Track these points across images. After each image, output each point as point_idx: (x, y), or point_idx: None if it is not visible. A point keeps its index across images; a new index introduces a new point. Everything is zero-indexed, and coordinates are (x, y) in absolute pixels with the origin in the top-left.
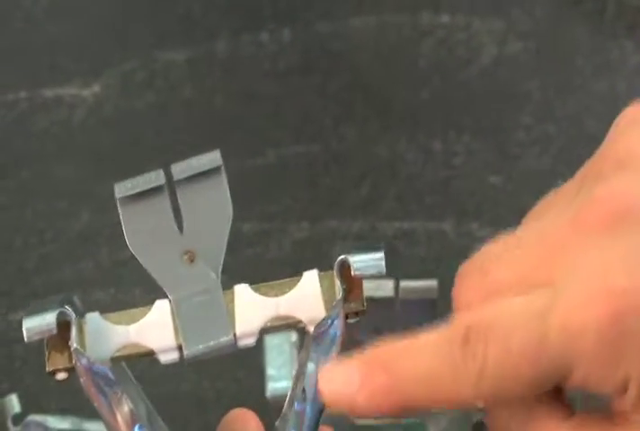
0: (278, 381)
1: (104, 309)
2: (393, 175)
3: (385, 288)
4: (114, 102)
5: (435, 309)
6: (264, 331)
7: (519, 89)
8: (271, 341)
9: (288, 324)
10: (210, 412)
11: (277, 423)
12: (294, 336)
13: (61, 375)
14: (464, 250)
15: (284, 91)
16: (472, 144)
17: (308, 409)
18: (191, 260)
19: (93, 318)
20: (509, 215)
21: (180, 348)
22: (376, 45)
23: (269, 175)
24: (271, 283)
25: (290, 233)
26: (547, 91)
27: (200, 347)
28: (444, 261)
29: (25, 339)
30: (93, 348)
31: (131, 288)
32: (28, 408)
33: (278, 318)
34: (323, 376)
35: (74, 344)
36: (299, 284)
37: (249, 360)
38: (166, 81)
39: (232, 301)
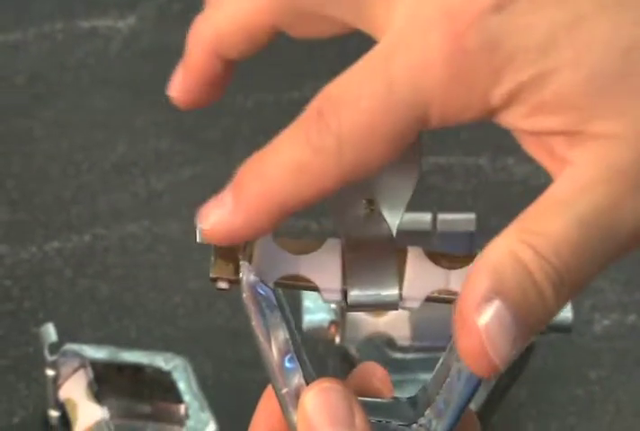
0: (314, 313)
1: (138, 241)
2: None
3: (423, 221)
4: (150, 34)
5: (473, 242)
6: (429, 299)
7: None
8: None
9: (454, 299)
10: (244, 346)
11: (418, 392)
12: None
13: (223, 285)
14: (500, 185)
15: None
16: None
17: (462, 386)
18: (372, 209)
19: (264, 238)
20: None
21: (343, 292)
22: None
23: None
24: (445, 252)
25: None
26: None
27: (365, 297)
28: (481, 195)
29: (198, 240)
30: (259, 268)
31: (166, 221)
32: (63, 338)
33: (446, 291)
34: (199, 215)
35: (243, 259)
36: (474, 262)
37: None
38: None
39: (403, 261)
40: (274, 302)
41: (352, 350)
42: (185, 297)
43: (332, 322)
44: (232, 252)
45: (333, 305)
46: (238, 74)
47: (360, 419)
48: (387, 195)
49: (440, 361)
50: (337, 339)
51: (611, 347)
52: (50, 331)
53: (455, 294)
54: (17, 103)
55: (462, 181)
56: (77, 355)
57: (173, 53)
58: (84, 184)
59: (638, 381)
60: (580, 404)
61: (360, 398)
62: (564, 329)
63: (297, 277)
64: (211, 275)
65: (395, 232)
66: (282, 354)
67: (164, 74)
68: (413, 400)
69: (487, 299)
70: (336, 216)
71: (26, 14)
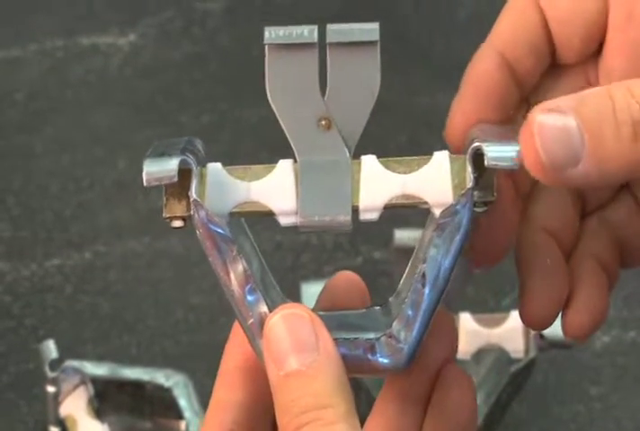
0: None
1: (139, 257)
2: (433, 125)
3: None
4: (150, 51)
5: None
6: (388, 208)
7: None
8: (308, 290)
9: (413, 204)
10: None
11: (390, 299)
12: None
13: (177, 223)
14: None
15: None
16: None
17: (427, 290)
18: (328, 127)
19: (214, 169)
20: None
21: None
22: None
23: None
24: (399, 158)
25: None
26: None
27: (316, 218)
28: None
29: (145, 183)
30: (212, 201)
31: (167, 236)
32: (64, 354)
33: (403, 196)
34: None
35: (193, 194)
36: (429, 163)
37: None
38: (203, 30)
39: (358, 172)
40: (229, 235)
41: None
42: (186, 313)
43: None
44: (183, 190)
45: None
46: (242, 88)
47: (323, 341)
48: (343, 111)
49: (409, 265)
50: None
51: (612, 364)
52: (51, 348)
53: (413, 197)
54: (17, 120)
55: None
56: (78, 371)
57: (173, 70)
58: (84, 201)
59: (638, 397)
60: (580, 421)
61: (331, 312)
62: (564, 345)
63: (251, 205)
64: (164, 215)
65: (352, 149)
66: (242, 286)
67: (165, 91)
68: (386, 308)
69: (560, 110)
70: (290, 134)
71: (27, 31)
